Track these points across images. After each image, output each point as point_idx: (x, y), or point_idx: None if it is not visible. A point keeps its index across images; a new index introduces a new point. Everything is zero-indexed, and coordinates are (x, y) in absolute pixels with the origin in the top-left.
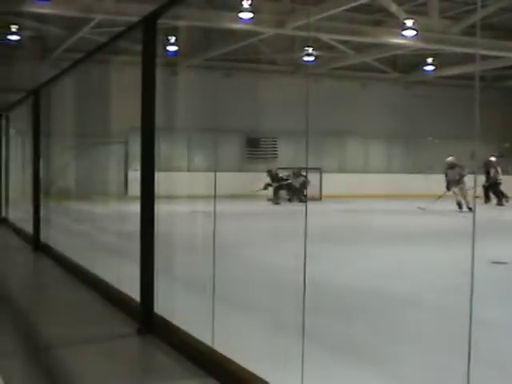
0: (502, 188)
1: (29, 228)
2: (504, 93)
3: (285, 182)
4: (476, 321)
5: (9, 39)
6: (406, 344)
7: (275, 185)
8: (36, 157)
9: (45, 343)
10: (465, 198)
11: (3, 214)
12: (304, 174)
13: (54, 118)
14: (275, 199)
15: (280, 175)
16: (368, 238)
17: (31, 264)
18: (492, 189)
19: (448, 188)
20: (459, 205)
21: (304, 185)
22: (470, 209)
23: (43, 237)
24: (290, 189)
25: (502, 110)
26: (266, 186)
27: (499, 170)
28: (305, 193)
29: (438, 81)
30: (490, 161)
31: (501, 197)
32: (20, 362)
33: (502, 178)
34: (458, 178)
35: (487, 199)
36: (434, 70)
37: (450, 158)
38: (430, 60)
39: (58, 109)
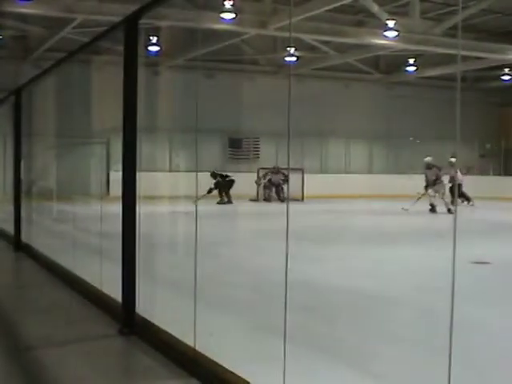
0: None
1: (10, 228)
2: (485, 94)
3: (228, 179)
4: (458, 321)
5: None
6: (387, 343)
7: (221, 181)
8: (17, 157)
9: (25, 344)
10: (443, 199)
11: None
12: (283, 171)
13: (36, 118)
14: (221, 200)
15: (224, 174)
16: (350, 238)
17: (12, 264)
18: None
19: (426, 188)
20: (432, 206)
21: (284, 181)
22: (449, 210)
23: (24, 237)
24: (271, 186)
25: (484, 110)
26: (210, 190)
27: (458, 171)
28: (284, 190)
29: (420, 81)
30: (450, 162)
31: (467, 197)
32: (0, 362)
33: (462, 178)
34: (434, 178)
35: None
36: (416, 70)
37: (427, 159)
38: (411, 61)
39: (39, 109)
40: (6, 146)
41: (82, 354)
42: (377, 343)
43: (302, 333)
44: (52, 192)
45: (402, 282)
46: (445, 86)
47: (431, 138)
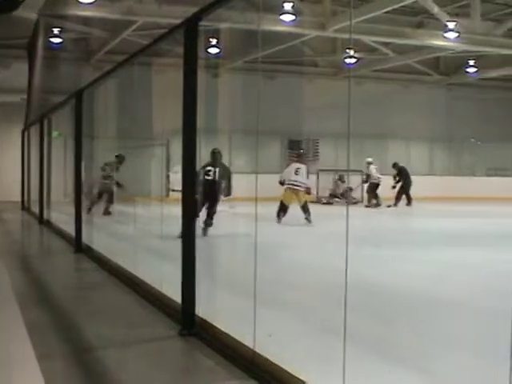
0: None
1: (70, 229)
2: None
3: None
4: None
5: (52, 42)
6: (447, 346)
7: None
8: (78, 159)
9: (86, 345)
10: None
11: (45, 215)
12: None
13: (96, 120)
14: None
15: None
16: (411, 240)
17: (73, 265)
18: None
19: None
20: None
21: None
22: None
23: (85, 238)
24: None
25: None
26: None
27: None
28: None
29: (481, 82)
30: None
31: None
32: (62, 363)
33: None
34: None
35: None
36: (477, 71)
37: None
38: (472, 62)
39: (99, 111)
40: (66, 148)
41: (143, 354)
42: (436, 346)
43: (360, 334)
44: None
45: (466, 284)
46: (506, 87)
47: (493, 139)
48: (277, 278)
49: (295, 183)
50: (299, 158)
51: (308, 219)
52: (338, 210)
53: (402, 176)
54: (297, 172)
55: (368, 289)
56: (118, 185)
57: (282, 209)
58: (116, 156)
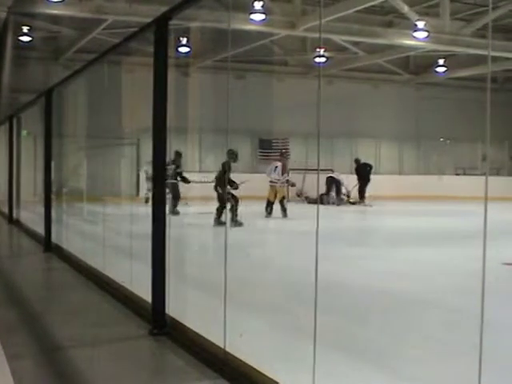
0: None
1: (40, 229)
2: None
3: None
4: (490, 322)
5: (21, 40)
6: (418, 345)
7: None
8: (47, 158)
9: (56, 345)
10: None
11: (14, 215)
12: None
13: (66, 119)
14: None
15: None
16: (381, 239)
17: (42, 265)
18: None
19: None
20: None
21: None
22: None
23: (54, 237)
24: None
25: None
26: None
27: None
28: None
29: (450, 82)
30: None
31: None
32: (32, 363)
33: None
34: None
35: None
36: (446, 71)
37: None
38: (441, 61)
39: (69, 110)
40: (36, 147)
41: (113, 354)
42: (407, 345)
43: (332, 334)
44: (82, 193)
45: (434, 282)
46: (475, 86)
47: (461, 139)
48: (240, 274)
49: (272, 180)
50: (279, 157)
51: (282, 214)
52: (313, 208)
53: (359, 173)
54: (274, 170)
55: (337, 286)
56: (184, 179)
57: (268, 204)
58: (175, 152)
